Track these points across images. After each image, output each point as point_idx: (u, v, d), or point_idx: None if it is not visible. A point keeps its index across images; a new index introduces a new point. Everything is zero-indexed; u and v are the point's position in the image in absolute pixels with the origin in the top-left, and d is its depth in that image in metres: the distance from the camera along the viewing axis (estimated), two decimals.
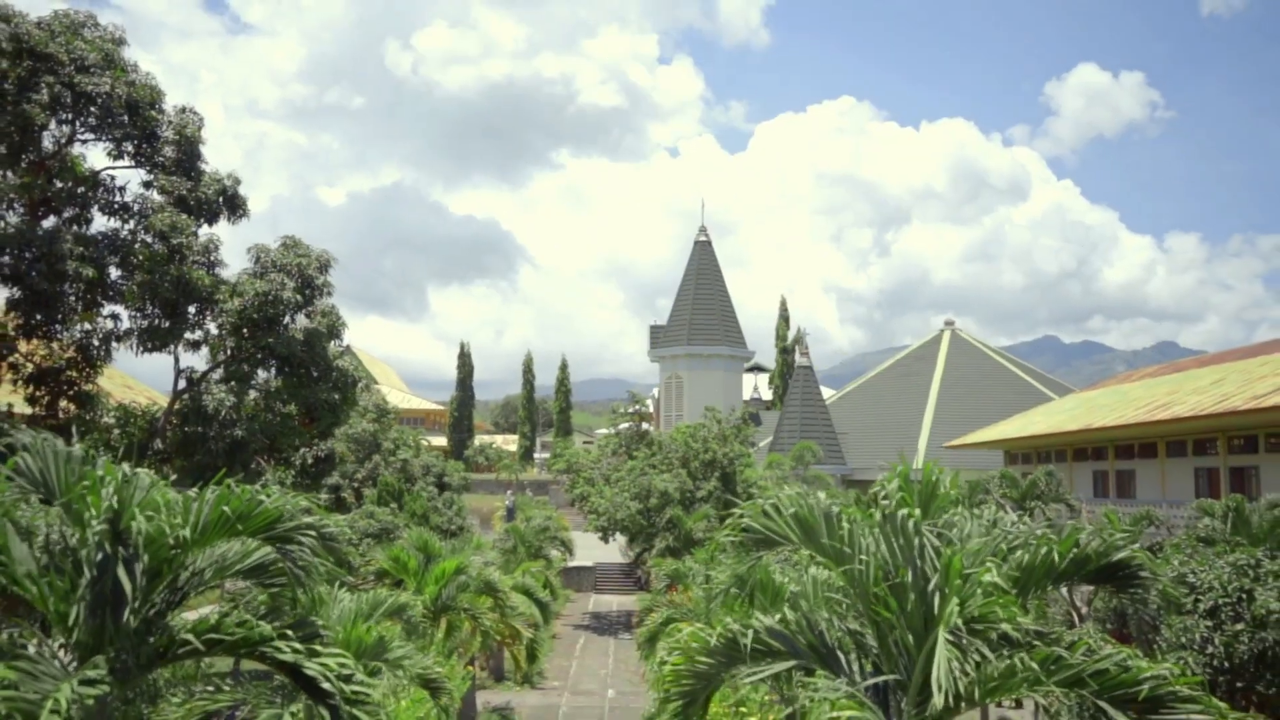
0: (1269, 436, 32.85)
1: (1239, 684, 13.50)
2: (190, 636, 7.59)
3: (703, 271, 69.63)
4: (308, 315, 23.91)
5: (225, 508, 7.87)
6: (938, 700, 7.28)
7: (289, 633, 7.85)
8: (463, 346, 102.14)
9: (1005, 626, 7.73)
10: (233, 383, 23.18)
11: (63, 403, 21.80)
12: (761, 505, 9.27)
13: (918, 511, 8.40)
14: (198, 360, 23.89)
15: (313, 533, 8.40)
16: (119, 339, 22.03)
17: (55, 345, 21.74)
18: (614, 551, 51.41)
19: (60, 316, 20.95)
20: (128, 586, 7.32)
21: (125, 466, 7.95)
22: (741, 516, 9.37)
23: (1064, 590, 19.86)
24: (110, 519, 7.34)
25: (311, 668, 7.61)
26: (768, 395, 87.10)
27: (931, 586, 8.01)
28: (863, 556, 8.43)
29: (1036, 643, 8.06)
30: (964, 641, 7.50)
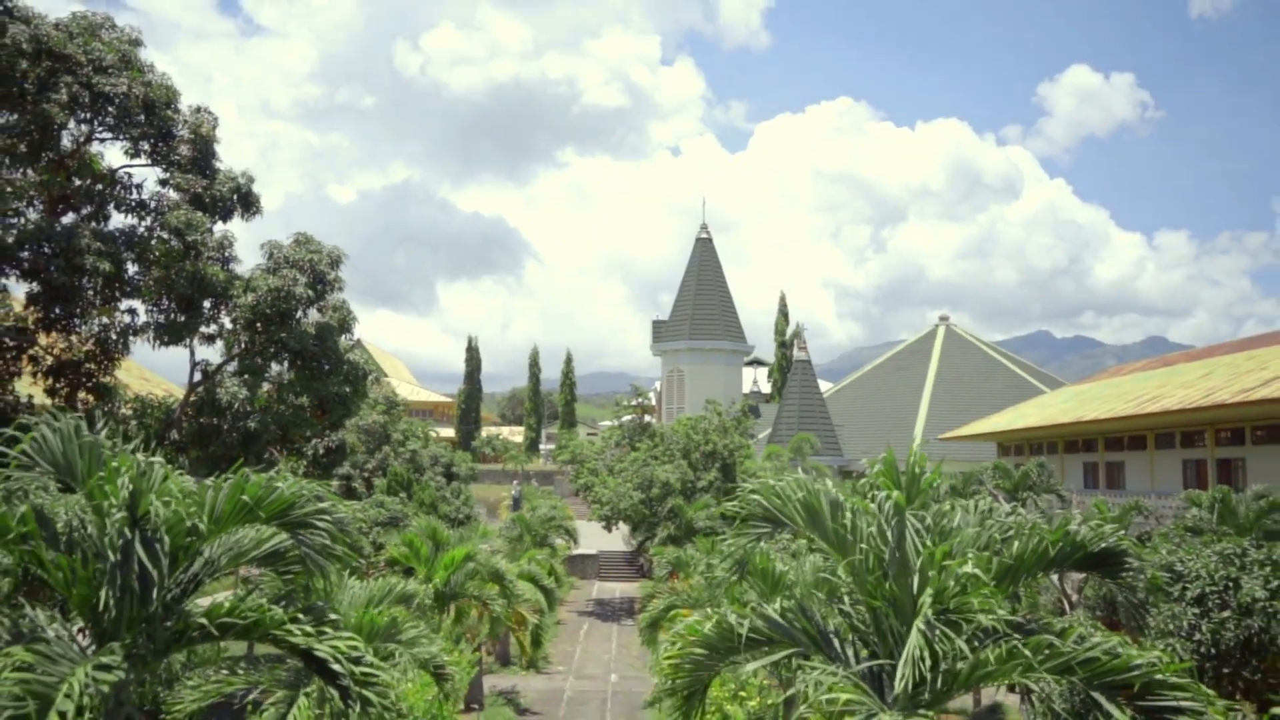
0: (1255, 429, 32.81)
1: (1225, 669, 13.49)
2: (205, 621, 7.59)
3: (704, 268, 69.60)
4: (319, 310, 23.94)
5: (243, 496, 7.88)
6: (898, 687, 7.34)
7: (301, 617, 7.85)
8: (470, 340, 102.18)
9: (981, 617, 7.71)
10: (246, 375, 23.21)
11: (81, 394, 21.82)
12: (772, 484, 9.24)
13: (897, 494, 8.39)
14: (212, 353, 23.94)
15: (327, 517, 8.40)
16: (136, 333, 22.06)
17: (74, 338, 21.77)
18: (617, 540, 51.43)
19: (79, 310, 20.96)
20: (153, 571, 7.33)
21: (140, 455, 7.95)
22: (752, 491, 9.32)
23: (1055, 578, 19.86)
24: (128, 506, 7.34)
25: (322, 650, 7.61)
26: (767, 388, 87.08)
27: (914, 574, 8.02)
28: (862, 545, 8.43)
29: (1014, 635, 8.04)
30: (936, 632, 7.50)
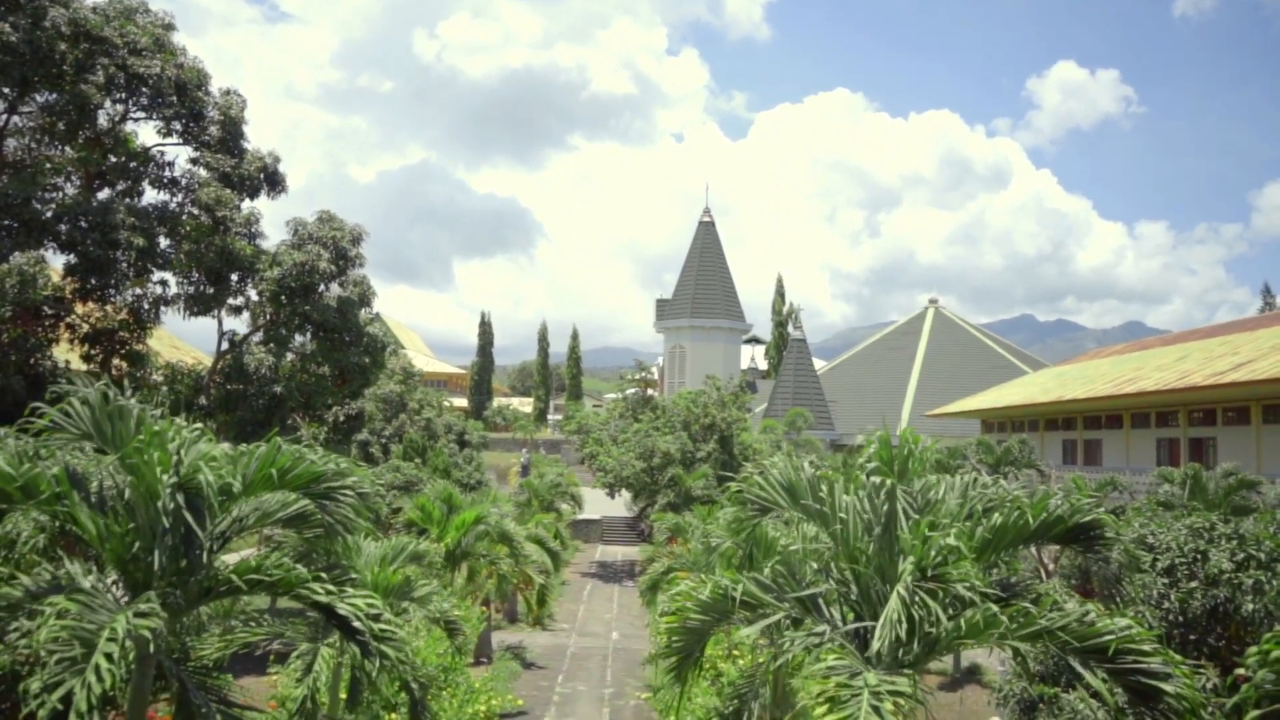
0: (1226, 410, 32.82)
1: (1192, 636, 13.57)
2: (234, 577, 7.66)
3: (706, 249, 69.40)
4: (341, 284, 23.96)
5: (274, 466, 7.93)
6: (875, 645, 7.45)
7: (323, 575, 7.92)
8: (483, 315, 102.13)
9: (958, 587, 7.78)
10: (271, 345, 23.27)
11: (115, 361, 21.90)
12: (754, 476, 9.34)
13: (890, 480, 8.46)
14: (239, 324, 23.99)
15: (351, 492, 8.46)
16: (167, 303, 22.10)
17: (109, 308, 21.81)
18: (620, 506, 51.58)
19: (114, 282, 20.99)
20: (199, 533, 7.44)
21: (179, 421, 8.00)
22: (737, 489, 9.45)
23: (1033, 549, 19.94)
24: (177, 473, 7.41)
25: (343, 607, 7.69)
26: (764, 365, 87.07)
27: (899, 545, 8.09)
28: (842, 515, 8.51)
29: (1002, 599, 8.09)
30: (917, 597, 7.57)
